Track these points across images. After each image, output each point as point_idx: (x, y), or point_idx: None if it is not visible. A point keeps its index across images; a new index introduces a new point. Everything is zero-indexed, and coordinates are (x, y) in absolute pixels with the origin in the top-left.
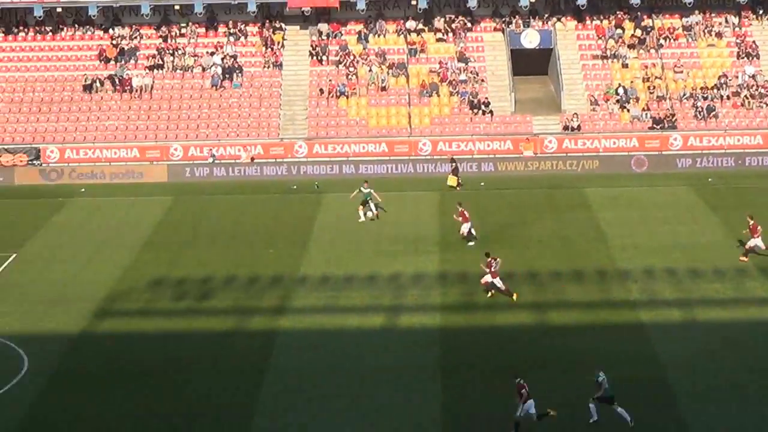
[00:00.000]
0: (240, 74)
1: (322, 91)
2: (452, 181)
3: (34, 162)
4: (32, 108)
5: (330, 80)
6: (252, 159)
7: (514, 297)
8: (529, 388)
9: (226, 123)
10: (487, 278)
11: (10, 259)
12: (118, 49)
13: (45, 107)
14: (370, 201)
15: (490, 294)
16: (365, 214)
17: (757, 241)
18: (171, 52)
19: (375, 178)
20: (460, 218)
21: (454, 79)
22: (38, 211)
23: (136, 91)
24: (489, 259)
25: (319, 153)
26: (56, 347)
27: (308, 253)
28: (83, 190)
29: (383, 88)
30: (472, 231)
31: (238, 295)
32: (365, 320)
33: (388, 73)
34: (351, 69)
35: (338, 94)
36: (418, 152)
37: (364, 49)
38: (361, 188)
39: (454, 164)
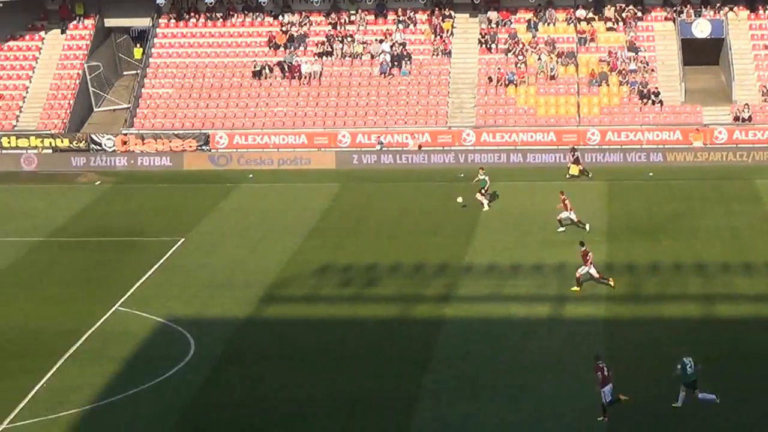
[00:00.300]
0: (409, 62)
1: (490, 79)
2: (574, 170)
3: (203, 147)
4: (202, 94)
5: (499, 68)
6: (419, 147)
7: (611, 282)
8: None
9: (394, 110)
10: (581, 270)
11: (179, 243)
12: (287, 36)
13: (215, 93)
14: (487, 187)
15: (576, 288)
16: (488, 202)
17: None
18: (340, 39)
19: (543, 167)
20: (561, 206)
21: (623, 69)
22: (206, 196)
23: (305, 77)
24: (584, 249)
25: (487, 141)
26: (222, 331)
27: (474, 241)
28: (251, 175)
29: (552, 77)
30: (572, 218)
31: (403, 282)
32: (531, 309)
33: (557, 62)
34: (520, 57)
35: (507, 82)
36: (587, 141)
37: (533, 37)
38: (479, 174)
39: (575, 154)
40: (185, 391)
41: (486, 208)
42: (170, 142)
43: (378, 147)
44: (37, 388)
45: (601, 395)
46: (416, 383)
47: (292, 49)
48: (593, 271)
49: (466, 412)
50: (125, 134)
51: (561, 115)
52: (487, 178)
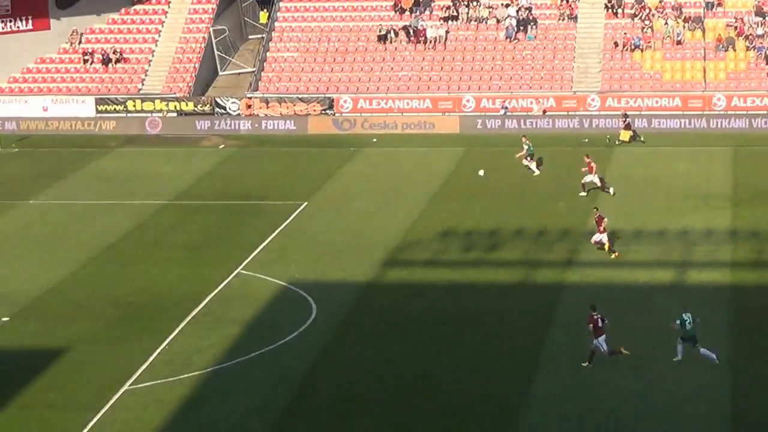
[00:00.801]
0: (534, 26)
1: (616, 44)
2: (625, 135)
3: (328, 111)
4: (327, 58)
5: (625, 33)
6: (544, 111)
7: (614, 256)
8: None
9: (519, 75)
10: (596, 236)
11: (302, 207)
12: (413, 0)
13: (339, 57)
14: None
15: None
16: (537, 167)
17: None
18: (466, 3)
19: (667, 133)
20: (586, 168)
21: (750, 34)
22: (330, 160)
23: (430, 42)
24: (598, 214)
25: (612, 106)
26: (344, 295)
27: (597, 206)
28: (375, 140)
29: (678, 42)
30: (596, 182)
31: (526, 247)
32: (653, 275)
33: (683, 27)
34: (646, 22)
35: (633, 47)
36: (712, 107)
37: (660, 2)
38: (523, 142)
39: (626, 119)
40: (306, 355)
41: (537, 172)
42: (294, 105)
43: (502, 111)
44: (159, 350)
45: (596, 345)
46: (536, 349)
47: (418, 13)
48: (604, 238)
49: (585, 378)
50: (250, 98)
51: (687, 80)
52: (531, 145)
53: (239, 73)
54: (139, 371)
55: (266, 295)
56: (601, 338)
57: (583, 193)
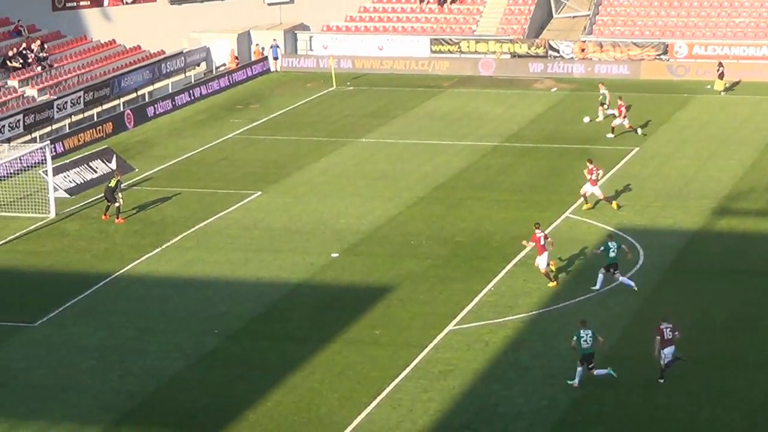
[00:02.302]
0: None
1: None
2: (719, 85)
3: (662, 57)
4: (663, 3)
5: None
6: None
7: (615, 205)
8: None
9: None
10: (587, 187)
11: (632, 152)
12: None
13: (676, 2)
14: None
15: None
16: (602, 116)
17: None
18: None
19: None
20: (617, 111)
21: None
22: (662, 106)
23: None
24: (591, 166)
25: None
26: (673, 242)
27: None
28: (708, 87)
29: None
30: (625, 125)
31: None
32: None
33: None
34: None
35: None
36: None
37: None
38: (600, 89)
39: (721, 68)
40: (632, 301)
41: (586, 120)
42: (628, 50)
43: None
44: (485, 291)
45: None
46: None
47: None
48: (597, 192)
49: None
50: (584, 41)
51: None
52: (606, 93)
53: (574, 17)
54: (465, 311)
55: (594, 239)
56: (545, 255)
57: (611, 135)
